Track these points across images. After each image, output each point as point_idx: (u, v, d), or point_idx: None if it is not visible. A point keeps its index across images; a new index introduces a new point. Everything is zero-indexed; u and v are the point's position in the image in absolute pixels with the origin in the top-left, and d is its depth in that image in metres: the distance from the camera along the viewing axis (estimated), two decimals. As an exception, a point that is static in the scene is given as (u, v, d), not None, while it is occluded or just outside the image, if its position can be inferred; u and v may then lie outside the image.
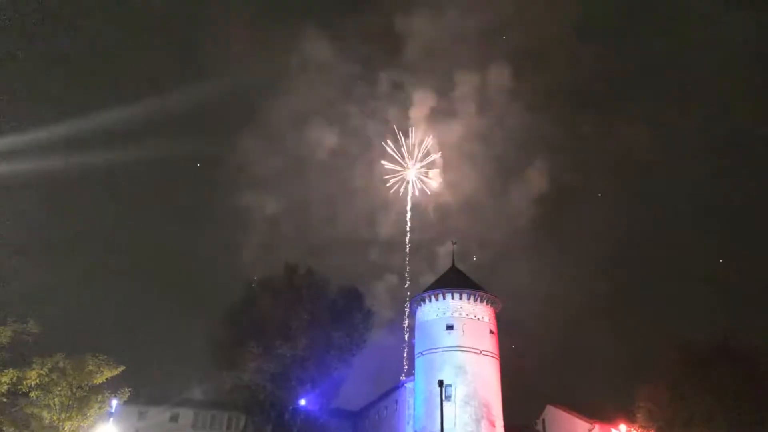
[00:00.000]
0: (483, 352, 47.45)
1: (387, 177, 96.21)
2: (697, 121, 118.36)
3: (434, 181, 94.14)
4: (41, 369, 37.57)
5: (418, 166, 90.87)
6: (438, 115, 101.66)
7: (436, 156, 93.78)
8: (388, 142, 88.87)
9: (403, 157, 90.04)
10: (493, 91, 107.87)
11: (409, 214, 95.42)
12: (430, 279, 62.75)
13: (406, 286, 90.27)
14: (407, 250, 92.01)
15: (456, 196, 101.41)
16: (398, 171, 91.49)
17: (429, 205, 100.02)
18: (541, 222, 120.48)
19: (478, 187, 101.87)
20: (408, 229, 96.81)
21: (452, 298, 49.45)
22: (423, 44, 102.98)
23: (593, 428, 49.70)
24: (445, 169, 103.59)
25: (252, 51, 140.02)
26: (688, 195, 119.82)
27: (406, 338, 72.77)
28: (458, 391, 45.22)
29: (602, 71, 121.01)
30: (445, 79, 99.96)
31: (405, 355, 76.55)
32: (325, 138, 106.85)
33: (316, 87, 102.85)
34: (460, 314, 48.65)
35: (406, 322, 72.91)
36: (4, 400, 36.71)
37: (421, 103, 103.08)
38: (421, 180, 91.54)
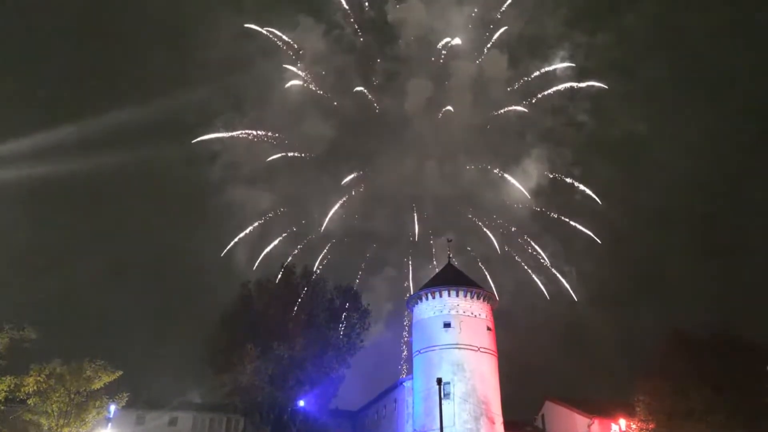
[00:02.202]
0: (481, 349, 47.44)
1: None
2: (698, 104, 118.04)
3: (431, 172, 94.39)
4: (39, 375, 37.45)
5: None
6: (433, 105, 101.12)
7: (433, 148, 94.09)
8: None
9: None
10: (488, 80, 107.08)
11: (415, 208, 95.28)
12: (429, 273, 62.82)
13: (409, 295, 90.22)
14: (409, 243, 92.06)
15: (453, 188, 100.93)
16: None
17: (428, 197, 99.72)
18: (539, 214, 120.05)
19: (475, 179, 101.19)
20: (412, 222, 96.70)
21: (449, 295, 49.36)
22: (417, 34, 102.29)
23: (593, 423, 49.72)
24: (442, 160, 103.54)
25: (244, 45, 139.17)
26: (688, 183, 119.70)
27: (405, 337, 72.78)
28: (457, 389, 45.16)
29: (598, 57, 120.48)
30: (441, 68, 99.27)
31: (404, 353, 76.56)
32: (320, 132, 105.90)
33: (309, 80, 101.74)
34: (457, 311, 48.60)
35: (406, 321, 72.86)
36: (2, 407, 36.64)
37: (417, 93, 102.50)
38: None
